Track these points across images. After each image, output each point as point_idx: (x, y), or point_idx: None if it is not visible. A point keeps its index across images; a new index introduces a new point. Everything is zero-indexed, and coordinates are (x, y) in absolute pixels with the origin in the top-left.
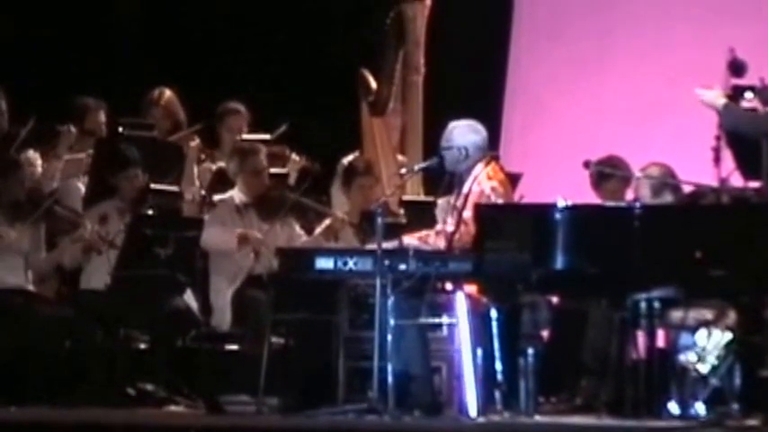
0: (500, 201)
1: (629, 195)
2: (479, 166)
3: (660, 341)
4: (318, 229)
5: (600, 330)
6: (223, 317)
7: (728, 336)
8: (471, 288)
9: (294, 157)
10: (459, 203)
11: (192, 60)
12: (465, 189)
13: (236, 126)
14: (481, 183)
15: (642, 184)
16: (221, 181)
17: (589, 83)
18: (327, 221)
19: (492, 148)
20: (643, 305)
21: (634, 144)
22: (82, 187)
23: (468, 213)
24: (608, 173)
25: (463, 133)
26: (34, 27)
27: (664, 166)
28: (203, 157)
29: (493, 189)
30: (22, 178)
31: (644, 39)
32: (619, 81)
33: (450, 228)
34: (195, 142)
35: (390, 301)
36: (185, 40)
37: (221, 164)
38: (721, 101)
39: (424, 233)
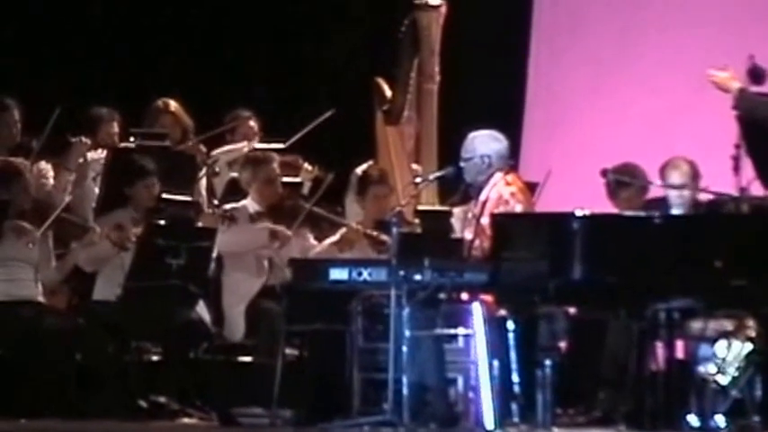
0: (519, 207)
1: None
2: (498, 175)
3: (679, 352)
4: (331, 239)
5: (619, 341)
6: (236, 328)
7: (749, 347)
8: (487, 298)
9: (307, 166)
10: (476, 211)
11: (201, 67)
12: (483, 196)
13: (249, 133)
14: (500, 189)
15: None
16: (234, 191)
17: (610, 90)
18: (341, 231)
19: (510, 156)
20: (662, 315)
21: (654, 152)
22: (98, 190)
23: (485, 220)
24: (625, 182)
25: (485, 142)
26: (46, 38)
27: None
28: (217, 168)
29: (512, 194)
30: (25, 186)
31: (664, 45)
32: (639, 88)
33: (468, 236)
34: (202, 152)
35: (405, 311)
36: (193, 46)
37: (234, 174)
38: (736, 84)
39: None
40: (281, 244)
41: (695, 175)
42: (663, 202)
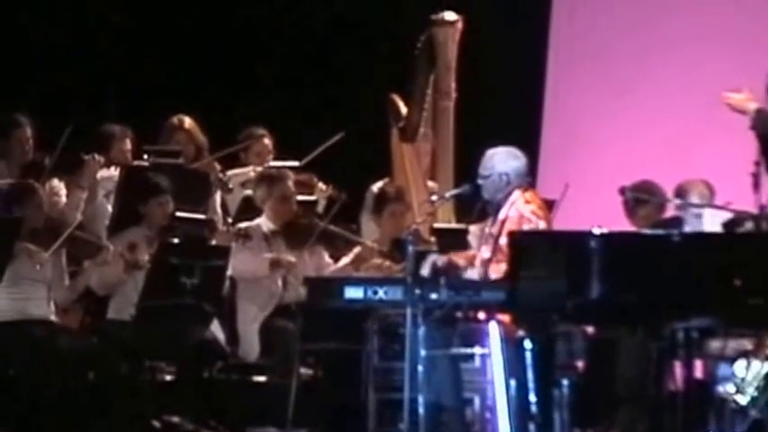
0: (542, 224)
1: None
2: (517, 192)
3: (698, 372)
4: (346, 258)
5: (631, 360)
6: (251, 348)
7: None
8: (504, 317)
9: (321, 185)
10: (495, 230)
11: (215, 86)
12: (501, 215)
13: (264, 151)
14: (519, 207)
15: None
16: (248, 209)
17: (627, 108)
18: (356, 250)
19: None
20: (680, 335)
21: (672, 170)
22: (110, 208)
23: (504, 239)
24: (644, 199)
25: (504, 159)
26: (60, 55)
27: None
28: (230, 185)
29: (533, 213)
30: (39, 203)
31: (682, 63)
32: (656, 106)
33: (486, 254)
34: (216, 169)
35: (421, 331)
36: (209, 65)
37: (248, 192)
38: (752, 105)
39: (471, 253)
40: (285, 272)
41: (712, 196)
42: (677, 222)
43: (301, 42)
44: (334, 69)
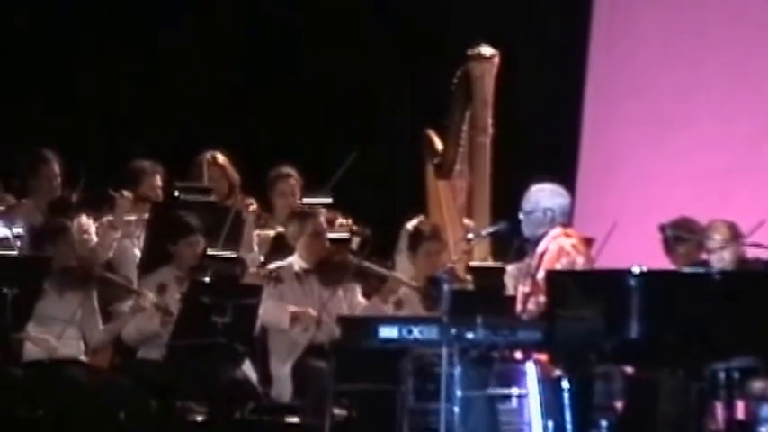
0: (581, 259)
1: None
2: (558, 229)
3: (740, 413)
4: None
5: (672, 401)
6: (283, 388)
7: None
8: (542, 357)
9: (341, 221)
10: (534, 263)
11: (246, 121)
12: (540, 248)
13: (287, 190)
14: (560, 242)
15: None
16: (279, 247)
17: (666, 143)
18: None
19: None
20: (722, 375)
21: (713, 206)
22: (137, 251)
23: (542, 274)
24: (684, 236)
25: (550, 196)
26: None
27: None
28: (263, 221)
29: (573, 246)
30: (70, 242)
31: (722, 98)
32: (697, 141)
33: (526, 289)
34: (253, 207)
35: (457, 371)
36: (239, 101)
37: (280, 229)
38: None
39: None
40: (304, 327)
41: (735, 236)
42: (704, 264)
43: (335, 76)
44: (370, 103)
